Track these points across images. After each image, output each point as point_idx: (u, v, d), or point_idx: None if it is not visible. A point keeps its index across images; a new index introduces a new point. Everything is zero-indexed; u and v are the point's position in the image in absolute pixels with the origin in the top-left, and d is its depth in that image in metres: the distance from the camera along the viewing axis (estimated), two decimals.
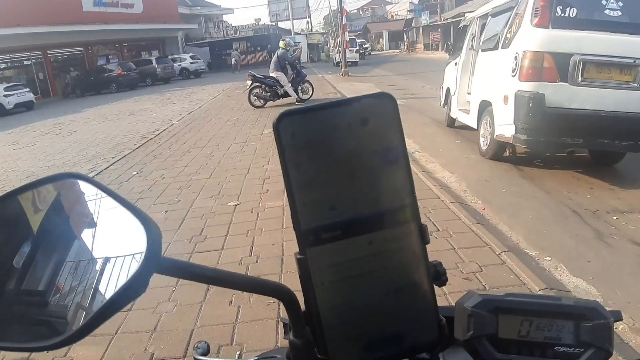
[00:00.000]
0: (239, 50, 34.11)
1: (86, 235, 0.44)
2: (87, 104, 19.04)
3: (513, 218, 3.88)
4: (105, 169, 6.64)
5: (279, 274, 2.95)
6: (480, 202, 4.28)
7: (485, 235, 3.31)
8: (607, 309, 0.47)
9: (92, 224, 0.44)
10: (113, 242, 0.43)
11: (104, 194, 0.43)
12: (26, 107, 20.13)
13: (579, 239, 3.47)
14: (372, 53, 43.97)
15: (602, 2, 4.49)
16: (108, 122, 12.65)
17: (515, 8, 5.04)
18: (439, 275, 0.49)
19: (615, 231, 3.58)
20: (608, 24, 4.45)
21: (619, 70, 4.42)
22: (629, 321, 2.43)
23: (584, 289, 2.77)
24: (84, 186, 0.45)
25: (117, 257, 0.41)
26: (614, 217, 3.84)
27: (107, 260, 0.42)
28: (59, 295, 0.43)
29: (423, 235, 0.48)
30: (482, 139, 5.77)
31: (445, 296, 2.50)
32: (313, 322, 0.47)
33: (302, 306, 0.48)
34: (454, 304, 0.51)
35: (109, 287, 0.40)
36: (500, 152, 5.49)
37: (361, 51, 35.96)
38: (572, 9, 4.47)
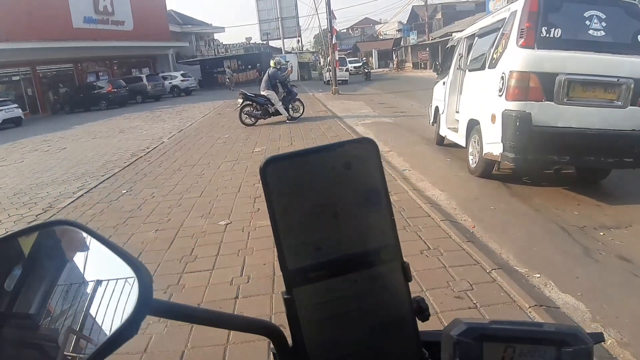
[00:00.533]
0: (231, 68, 34.37)
1: (76, 268, 0.45)
2: (76, 121, 18.92)
3: (502, 235, 3.91)
4: (94, 187, 6.58)
5: (270, 295, 2.93)
6: (470, 220, 4.31)
7: (476, 253, 3.32)
8: (590, 330, 0.48)
9: (82, 263, 0.46)
10: (104, 279, 0.44)
11: (96, 241, 0.45)
12: (14, 123, 19.97)
13: (567, 256, 3.50)
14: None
15: (586, 22, 4.59)
16: (97, 139, 12.58)
17: (502, 29, 5.15)
18: (422, 311, 0.51)
19: (603, 247, 3.62)
20: (592, 44, 4.54)
21: (603, 89, 4.51)
22: (617, 336, 2.46)
23: (572, 305, 2.79)
24: (76, 232, 0.47)
25: (107, 285, 0.43)
26: (601, 233, 3.88)
27: (97, 284, 0.43)
28: (49, 318, 0.43)
29: (406, 273, 0.50)
30: (470, 157, 5.84)
31: (437, 315, 2.50)
32: (300, 358, 0.48)
33: (290, 341, 0.49)
34: (444, 323, 0.53)
35: (99, 311, 0.41)
36: (488, 169, 5.55)
37: (366, 70, 35.76)
38: (556, 30, 4.57)
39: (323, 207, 0.47)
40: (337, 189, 0.47)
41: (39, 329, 0.44)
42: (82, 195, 6.16)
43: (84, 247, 0.46)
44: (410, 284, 0.51)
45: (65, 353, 0.41)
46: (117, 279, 0.42)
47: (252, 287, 3.07)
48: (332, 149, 0.48)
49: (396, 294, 0.50)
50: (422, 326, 0.53)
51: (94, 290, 0.43)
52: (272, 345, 0.51)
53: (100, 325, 0.41)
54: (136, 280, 0.40)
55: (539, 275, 3.17)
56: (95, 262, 0.45)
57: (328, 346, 0.48)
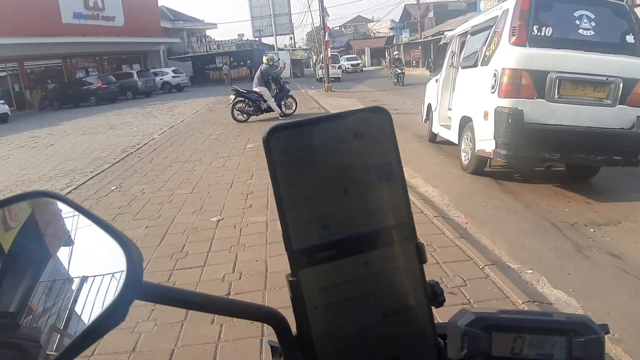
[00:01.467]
0: (228, 64, 34.19)
1: (61, 255, 0.42)
2: (64, 117, 18.65)
3: (495, 232, 3.92)
4: (83, 183, 6.49)
5: (262, 291, 2.90)
6: (462, 216, 4.33)
7: (469, 249, 3.33)
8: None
9: (68, 245, 0.42)
10: (90, 263, 0.40)
11: (80, 214, 0.41)
12: (0, 119, 19.65)
13: (558, 252, 3.53)
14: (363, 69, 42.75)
15: (576, 22, 4.64)
16: (87, 135, 12.43)
17: (494, 27, 5.17)
18: (436, 296, 0.48)
19: (593, 243, 3.66)
20: (582, 43, 4.59)
21: (593, 88, 4.57)
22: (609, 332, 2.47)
23: (565, 301, 2.81)
24: (59, 205, 0.43)
25: (94, 278, 0.39)
26: (591, 230, 3.92)
27: (83, 280, 0.40)
28: (31, 317, 0.40)
29: (420, 255, 0.46)
30: (463, 154, 5.86)
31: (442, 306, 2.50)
32: (305, 348, 0.45)
33: (294, 330, 0.46)
34: (438, 319, 0.50)
35: (85, 309, 0.38)
36: (481, 166, 5.58)
37: (357, 70, 36.72)
38: (547, 29, 4.61)
39: (332, 181, 0.43)
40: (347, 161, 0.43)
41: (19, 328, 0.40)
42: (70, 191, 6.07)
43: (69, 225, 0.42)
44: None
45: (47, 352, 0.38)
46: (105, 260, 0.38)
47: (244, 284, 3.04)
48: (342, 118, 0.44)
49: (410, 276, 0.46)
50: None
51: (80, 279, 0.39)
52: (268, 338, 0.48)
53: (87, 319, 0.37)
54: (125, 258, 0.36)
55: (531, 271, 3.18)
56: (82, 242, 0.41)
57: (336, 334, 0.45)
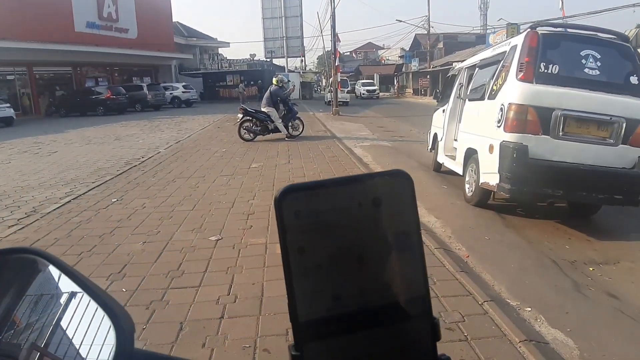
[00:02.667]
0: (244, 83, 34.48)
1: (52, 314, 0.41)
2: (70, 125, 18.78)
3: (496, 267, 3.88)
4: (83, 193, 6.49)
5: (257, 317, 2.85)
6: (464, 249, 4.29)
7: (469, 283, 3.29)
8: None
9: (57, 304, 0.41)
10: (79, 329, 0.39)
11: (69, 279, 0.40)
12: (5, 122, 19.75)
13: (558, 290, 3.49)
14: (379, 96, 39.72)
15: (582, 61, 4.70)
16: (91, 145, 12.51)
17: (502, 61, 5.24)
18: None
19: (592, 282, 3.63)
20: (587, 82, 4.64)
21: (597, 126, 4.60)
22: None
23: (562, 340, 2.77)
24: (44, 265, 0.42)
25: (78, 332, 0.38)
26: (591, 269, 3.89)
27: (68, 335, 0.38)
28: (12, 331, 0.39)
29: (435, 332, 0.43)
30: (467, 186, 5.85)
31: None
32: None
33: None
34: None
35: (70, 328, 0.36)
36: (484, 199, 5.56)
37: (373, 96, 35.40)
38: (554, 66, 4.67)
39: (346, 250, 0.40)
40: (364, 228, 0.41)
41: None
42: (70, 201, 6.06)
43: (53, 284, 0.40)
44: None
45: None
46: (94, 327, 0.37)
47: (239, 307, 3.00)
48: (360, 181, 0.42)
49: (422, 354, 0.43)
50: None
51: (65, 338, 0.38)
52: None
53: (68, 343, 0.36)
54: (113, 329, 0.35)
55: (529, 309, 3.14)
56: (68, 303, 0.40)
57: None
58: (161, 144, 11.88)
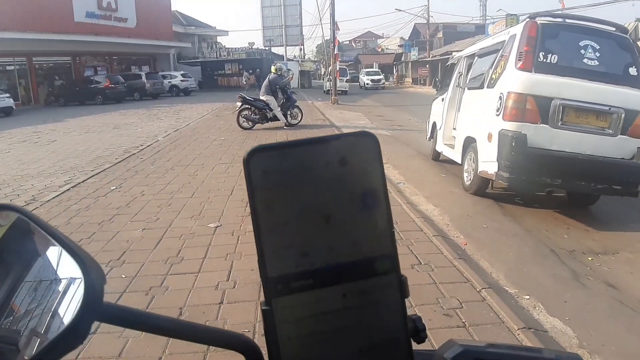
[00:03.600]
0: (249, 72, 34.07)
1: (41, 260, 0.41)
2: (69, 114, 18.71)
3: (494, 254, 3.90)
4: (82, 181, 6.48)
5: (255, 302, 2.88)
6: (462, 237, 4.31)
7: (467, 270, 3.31)
8: (588, 358, 0.45)
9: (43, 254, 0.41)
10: (55, 278, 0.39)
11: (42, 231, 0.40)
12: (4, 112, 19.65)
13: (556, 279, 3.51)
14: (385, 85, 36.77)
15: (581, 51, 4.69)
16: (90, 134, 12.46)
17: (501, 50, 5.22)
18: (417, 332, 0.46)
19: (590, 272, 3.64)
20: (586, 72, 4.64)
21: (596, 116, 4.60)
22: None
23: (560, 329, 2.78)
24: (19, 219, 0.42)
25: (66, 285, 0.38)
26: (589, 258, 3.91)
27: (57, 283, 0.39)
28: (12, 318, 0.39)
29: (402, 289, 0.44)
30: (465, 174, 5.86)
31: (426, 332, 2.47)
32: None
33: (266, 358, 0.44)
34: (432, 341, 0.48)
35: (66, 314, 0.37)
36: (483, 187, 5.57)
37: (379, 87, 33.02)
38: (553, 56, 4.65)
39: (313, 208, 0.41)
40: (331, 187, 0.41)
41: None
42: (69, 189, 6.06)
43: (30, 238, 0.41)
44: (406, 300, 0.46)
45: (25, 358, 0.37)
46: (66, 277, 0.37)
47: (238, 293, 3.02)
48: (327, 142, 0.42)
49: (390, 311, 0.44)
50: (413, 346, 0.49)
51: (60, 286, 0.39)
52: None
53: (65, 310, 0.36)
54: (82, 278, 0.35)
55: (528, 297, 3.16)
56: (43, 257, 0.40)
57: None
58: (160, 133, 11.84)
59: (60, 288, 0.38)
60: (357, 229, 0.42)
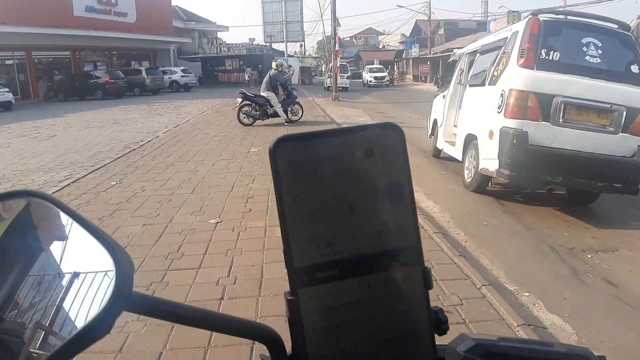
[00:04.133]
0: (252, 67, 33.89)
1: (51, 254, 0.41)
2: (69, 109, 18.66)
3: (494, 252, 3.91)
4: (82, 177, 6.48)
5: (256, 298, 2.88)
6: (462, 234, 4.31)
7: (467, 267, 3.32)
8: (595, 354, 0.46)
9: (58, 245, 0.41)
10: (80, 266, 0.39)
11: (71, 218, 0.40)
12: (4, 107, 19.61)
13: (556, 276, 3.51)
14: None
15: (583, 49, 4.67)
16: (90, 129, 12.44)
17: (503, 47, 5.20)
18: (439, 323, 0.47)
19: (590, 269, 3.65)
20: (588, 70, 4.63)
21: (597, 114, 4.59)
22: None
23: (559, 326, 2.80)
24: (50, 206, 0.41)
25: (83, 280, 0.38)
26: (589, 256, 3.92)
27: (72, 280, 0.39)
28: (16, 311, 0.39)
29: (426, 280, 0.45)
30: (466, 172, 5.86)
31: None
32: None
33: (288, 349, 0.44)
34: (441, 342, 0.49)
35: (72, 309, 0.37)
36: (483, 185, 5.57)
37: (383, 84, 31.07)
38: (555, 53, 4.64)
39: (339, 199, 0.42)
40: (356, 178, 0.42)
41: (2, 322, 0.39)
42: (69, 184, 6.05)
43: (62, 227, 0.40)
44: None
45: (30, 350, 0.37)
46: (95, 267, 0.37)
47: (238, 289, 3.02)
48: (353, 133, 0.43)
49: (414, 302, 0.44)
50: None
51: (71, 279, 0.38)
52: (258, 355, 0.46)
53: (73, 319, 0.36)
54: (114, 267, 0.35)
55: (527, 294, 3.16)
56: (74, 246, 0.39)
57: (333, 357, 0.43)
58: (160, 128, 11.82)
59: (87, 277, 0.38)
60: (382, 221, 0.43)
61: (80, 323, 0.35)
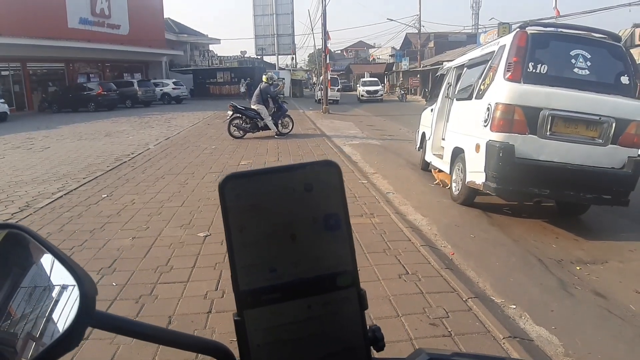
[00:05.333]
0: (248, 79, 34.00)
1: (32, 272, 0.45)
2: (62, 121, 18.61)
3: (481, 264, 3.93)
4: (74, 189, 6.45)
5: None
6: (449, 247, 4.33)
7: (453, 280, 3.33)
8: None
9: (36, 267, 0.45)
10: (51, 288, 0.43)
11: (42, 246, 0.44)
12: None
13: (543, 288, 3.53)
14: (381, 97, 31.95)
15: (572, 61, 4.70)
16: (83, 141, 12.39)
17: (490, 61, 5.26)
18: (377, 340, 0.50)
19: (578, 281, 3.66)
20: (576, 82, 4.64)
21: (585, 126, 4.61)
22: None
23: (546, 338, 2.80)
24: (23, 237, 0.46)
25: (52, 304, 0.42)
26: (578, 268, 3.93)
27: (47, 290, 0.43)
28: (9, 321, 0.42)
29: (362, 301, 0.49)
30: (454, 184, 5.90)
31: (412, 341, 2.48)
32: None
33: None
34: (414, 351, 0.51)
35: (60, 319, 0.40)
36: (471, 198, 5.61)
37: (377, 98, 29.55)
38: (543, 66, 4.66)
39: (280, 228, 0.46)
40: (297, 210, 0.46)
41: None
42: (62, 196, 6.03)
43: (31, 254, 0.45)
44: (369, 311, 0.49)
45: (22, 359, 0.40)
46: (61, 288, 0.41)
47: (226, 302, 3.01)
48: (293, 170, 0.47)
49: (350, 322, 0.48)
50: (385, 353, 0.52)
51: (33, 297, 0.42)
52: None
53: (60, 330, 0.40)
54: (78, 290, 0.39)
55: (514, 307, 3.18)
56: (42, 270, 0.44)
57: None
58: (151, 141, 11.80)
59: (55, 296, 0.42)
60: (321, 247, 0.47)
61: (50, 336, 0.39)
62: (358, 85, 34.15)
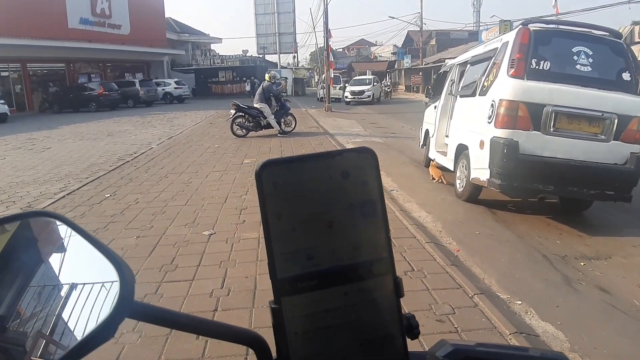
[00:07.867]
0: (252, 78, 33.96)
1: (54, 266, 0.44)
2: (64, 121, 18.65)
3: (486, 261, 3.93)
4: (77, 189, 6.46)
5: (250, 309, 2.88)
6: (454, 243, 4.33)
7: (459, 277, 3.33)
8: (572, 357, 0.48)
9: (62, 258, 0.44)
10: (83, 278, 0.42)
11: (77, 234, 0.44)
12: None
13: (548, 284, 3.53)
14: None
15: (574, 57, 4.71)
16: (84, 141, 12.42)
17: (493, 58, 5.26)
18: (411, 329, 0.50)
19: (583, 277, 3.67)
20: (579, 79, 4.66)
21: (588, 122, 4.62)
22: None
23: (552, 333, 2.80)
24: (57, 223, 0.46)
25: (83, 291, 0.41)
26: (582, 263, 3.93)
27: (72, 290, 0.41)
28: (19, 321, 0.42)
29: (398, 289, 0.49)
30: (458, 181, 5.90)
31: (418, 337, 2.48)
32: None
33: (274, 354, 0.48)
34: (425, 346, 0.51)
35: (71, 319, 0.39)
36: (475, 194, 5.61)
37: (364, 97, 24.70)
38: (546, 63, 4.68)
39: (317, 216, 0.46)
40: (333, 197, 0.46)
41: (6, 332, 0.41)
42: (64, 196, 6.04)
43: (65, 242, 0.44)
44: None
45: (32, 358, 0.39)
46: (98, 278, 0.40)
47: (232, 300, 3.02)
48: (330, 157, 0.47)
49: (386, 309, 0.48)
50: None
51: (71, 290, 0.41)
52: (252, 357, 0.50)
53: (72, 329, 0.39)
54: (118, 278, 0.39)
55: (520, 302, 3.18)
56: (76, 259, 0.43)
57: (313, 359, 0.47)
58: (153, 140, 11.82)
59: (91, 286, 0.41)
60: (357, 235, 0.47)
61: (79, 331, 0.38)
62: (349, 85, 28.19)
